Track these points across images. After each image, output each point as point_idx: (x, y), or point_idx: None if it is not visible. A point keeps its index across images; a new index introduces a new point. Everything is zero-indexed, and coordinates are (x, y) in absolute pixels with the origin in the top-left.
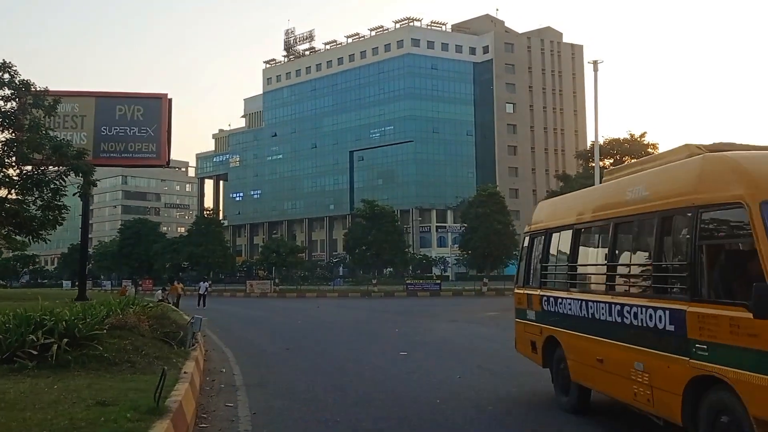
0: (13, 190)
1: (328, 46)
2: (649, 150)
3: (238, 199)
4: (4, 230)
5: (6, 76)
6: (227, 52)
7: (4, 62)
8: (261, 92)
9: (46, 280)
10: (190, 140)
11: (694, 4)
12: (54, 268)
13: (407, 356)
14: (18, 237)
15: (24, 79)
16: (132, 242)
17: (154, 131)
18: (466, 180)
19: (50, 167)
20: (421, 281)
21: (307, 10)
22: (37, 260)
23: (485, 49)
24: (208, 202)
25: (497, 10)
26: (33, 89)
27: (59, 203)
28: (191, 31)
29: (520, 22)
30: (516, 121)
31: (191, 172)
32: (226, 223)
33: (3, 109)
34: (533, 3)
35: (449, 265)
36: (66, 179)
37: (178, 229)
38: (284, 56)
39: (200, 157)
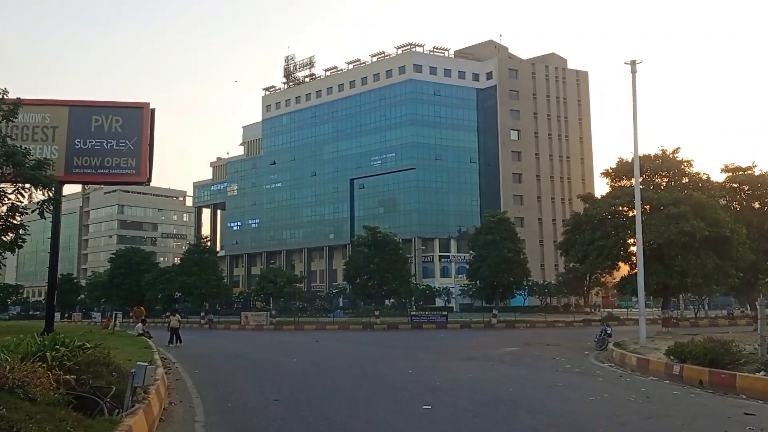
0: None
1: (328, 73)
2: (683, 167)
3: (235, 228)
4: None
5: None
6: (226, 79)
7: None
8: (260, 119)
9: (38, 312)
10: (187, 169)
11: (696, 24)
12: (43, 299)
13: (432, 411)
14: None
15: None
16: (123, 272)
17: (134, 144)
18: (470, 208)
19: (5, 181)
20: (426, 313)
21: (307, 36)
22: (21, 291)
23: (489, 75)
24: (206, 232)
25: (500, 36)
26: None
27: (15, 222)
28: (189, 57)
29: (523, 49)
30: (521, 148)
31: (188, 202)
32: (223, 252)
33: None
34: (537, 29)
35: (453, 295)
36: (24, 195)
37: (175, 259)
38: (284, 83)
39: (197, 186)
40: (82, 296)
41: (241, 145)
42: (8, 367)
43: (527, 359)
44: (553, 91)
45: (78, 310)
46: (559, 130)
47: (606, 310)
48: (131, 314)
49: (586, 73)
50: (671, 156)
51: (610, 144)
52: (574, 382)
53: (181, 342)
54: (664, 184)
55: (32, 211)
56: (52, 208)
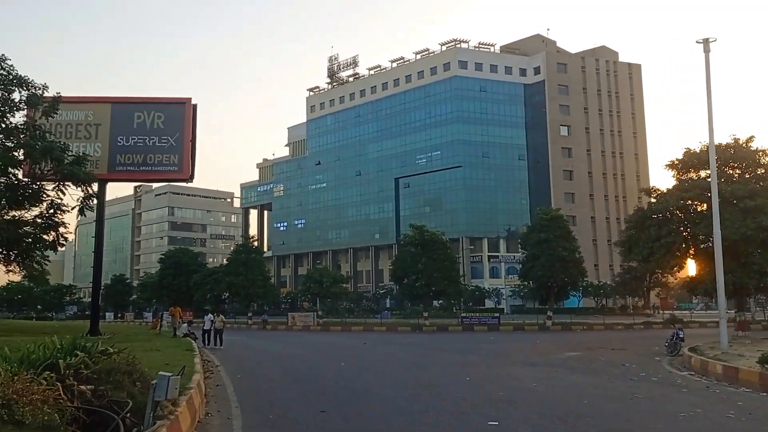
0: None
1: (372, 72)
2: (758, 157)
3: (282, 228)
4: None
5: None
6: (271, 80)
7: None
8: (305, 120)
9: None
10: (235, 170)
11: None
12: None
13: (500, 429)
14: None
15: (18, 75)
16: (172, 273)
17: (176, 141)
18: (519, 206)
19: (46, 179)
20: (477, 314)
21: (350, 36)
22: (75, 291)
23: (536, 70)
24: (253, 233)
25: (548, 30)
26: (31, 87)
27: (57, 220)
28: (235, 61)
29: (572, 42)
30: (571, 144)
31: (236, 203)
32: (270, 253)
33: None
34: (586, 22)
35: (504, 297)
36: (65, 192)
37: (224, 260)
38: (328, 83)
39: (245, 187)
40: (135, 297)
41: (286, 146)
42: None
43: (594, 365)
44: (604, 85)
45: (131, 311)
46: (611, 125)
47: (667, 312)
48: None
49: (638, 66)
50: (744, 145)
51: (666, 138)
52: (656, 393)
53: (221, 344)
54: (736, 175)
55: (72, 208)
56: (92, 204)
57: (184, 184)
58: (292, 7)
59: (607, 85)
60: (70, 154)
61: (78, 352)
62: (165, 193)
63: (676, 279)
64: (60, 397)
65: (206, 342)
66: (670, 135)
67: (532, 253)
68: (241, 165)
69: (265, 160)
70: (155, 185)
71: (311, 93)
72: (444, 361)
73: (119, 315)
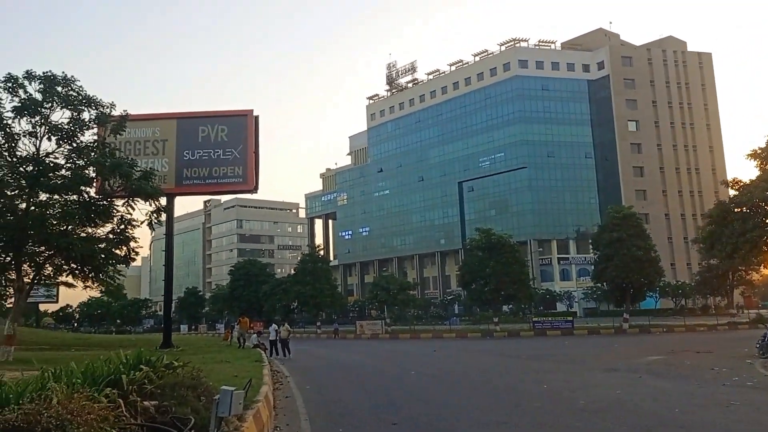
0: (73, 219)
1: (430, 77)
2: None
3: (347, 237)
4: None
5: (60, 89)
6: (332, 91)
7: (65, 77)
8: (365, 128)
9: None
10: (299, 181)
11: None
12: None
13: None
14: (74, 275)
15: (86, 94)
16: (242, 284)
17: (239, 153)
18: (588, 206)
19: (116, 196)
20: (549, 318)
21: (408, 42)
22: (151, 305)
23: (600, 65)
24: (319, 242)
25: (610, 23)
26: (99, 106)
27: (128, 235)
28: (297, 74)
29: (636, 35)
30: (640, 140)
31: (302, 213)
32: (336, 262)
33: (57, 124)
34: (650, 13)
35: (576, 299)
36: (134, 207)
37: (291, 270)
38: (387, 90)
39: (309, 197)
40: (207, 309)
41: (348, 154)
42: (50, 401)
43: (681, 370)
44: (672, 77)
45: (204, 322)
46: (682, 118)
47: (752, 311)
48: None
49: (709, 55)
50: None
51: (742, 128)
52: (756, 399)
53: (289, 354)
54: None
55: (141, 223)
56: (160, 219)
57: (250, 196)
58: (349, 17)
59: (676, 77)
60: (137, 169)
61: (143, 367)
62: (233, 207)
63: (761, 276)
64: (122, 415)
65: (275, 353)
66: (746, 125)
67: (604, 254)
68: (305, 175)
69: (328, 169)
70: (223, 199)
71: (371, 101)
72: (518, 368)
73: (193, 327)
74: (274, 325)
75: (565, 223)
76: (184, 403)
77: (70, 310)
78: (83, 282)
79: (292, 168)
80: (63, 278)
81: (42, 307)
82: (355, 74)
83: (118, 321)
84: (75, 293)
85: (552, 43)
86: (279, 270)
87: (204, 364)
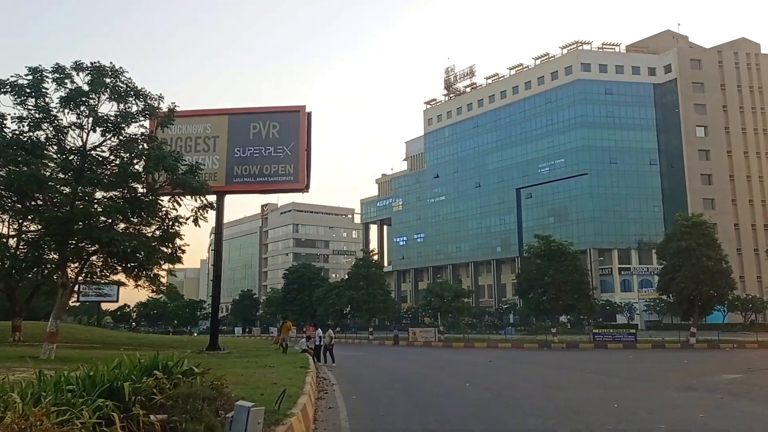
0: (114, 214)
1: (489, 81)
2: None
3: (401, 243)
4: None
5: (108, 80)
6: (389, 96)
7: (113, 68)
8: (422, 134)
9: (225, 326)
10: (355, 186)
11: None
12: (225, 315)
13: None
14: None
15: (135, 86)
16: (296, 287)
17: (291, 150)
18: (652, 215)
19: (163, 193)
20: (611, 330)
21: (466, 46)
22: (206, 306)
23: (667, 68)
24: (373, 247)
25: (679, 25)
26: (148, 99)
27: (173, 232)
28: (353, 77)
29: (706, 37)
30: (709, 146)
31: (357, 219)
32: (390, 268)
33: (103, 116)
34: (721, 15)
35: (637, 311)
36: (180, 203)
37: (346, 275)
38: (445, 95)
39: (364, 203)
40: (261, 312)
41: (404, 160)
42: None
43: (766, 391)
44: (745, 80)
45: (258, 325)
46: (754, 124)
47: None
48: (303, 329)
49: None
50: None
51: None
52: None
53: (333, 361)
54: None
55: (187, 219)
56: (206, 214)
57: (306, 200)
58: (407, 21)
59: (749, 80)
60: (183, 163)
61: (156, 373)
62: (290, 211)
63: None
64: None
65: (319, 358)
66: None
67: (672, 264)
68: (361, 181)
69: (383, 175)
70: (280, 203)
71: (428, 106)
72: (582, 383)
73: (247, 330)
74: (320, 330)
75: (627, 232)
76: (197, 419)
77: (127, 310)
78: (130, 280)
79: (348, 173)
80: (110, 275)
81: (104, 306)
82: (413, 79)
83: (176, 322)
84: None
85: (616, 45)
86: (333, 275)
87: (246, 368)
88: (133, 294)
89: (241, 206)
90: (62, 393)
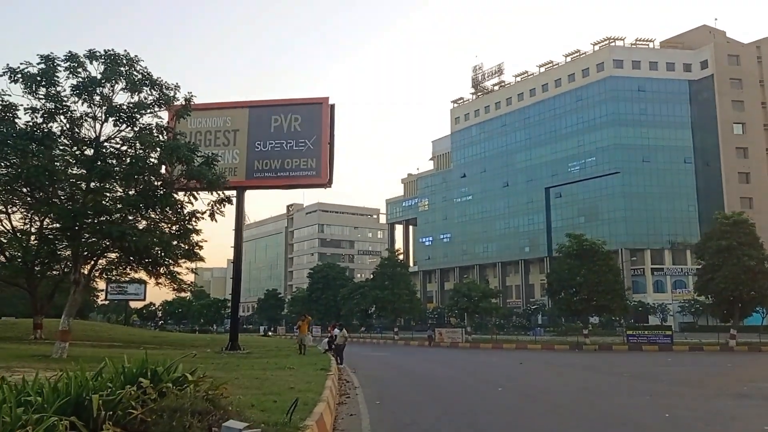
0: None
1: (518, 78)
2: None
3: (427, 243)
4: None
5: (122, 69)
6: (416, 94)
7: (128, 56)
8: (449, 133)
9: (251, 325)
10: (380, 187)
11: None
12: (251, 314)
13: None
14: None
15: (150, 75)
16: (321, 287)
17: (313, 144)
18: (686, 214)
19: (180, 189)
20: (646, 332)
21: (495, 44)
22: (228, 306)
23: (703, 64)
24: (398, 247)
25: (716, 20)
26: (163, 88)
27: (190, 227)
28: (378, 76)
29: (745, 32)
30: (747, 144)
31: (382, 219)
32: (416, 268)
33: (116, 105)
34: (760, 9)
35: (671, 313)
36: (197, 196)
37: (371, 276)
38: (472, 93)
39: (390, 203)
40: (286, 311)
41: (430, 159)
42: None
43: None
44: None
45: (283, 324)
46: None
47: None
48: (328, 329)
49: None
50: None
51: None
52: None
53: (341, 362)
54: None
55: (203, 213)
56: (224, 209)
57: (331, 200)
58: (435, 19)
59: None
60: (199, 154)
61: (143, 380)
62: (315, 211)
63: None
64: None
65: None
66: None
67: (711, 263)
68: (386, 181)
69: (409, 174)
70: (306, 203)
71: (455, 104)
72: (624, 388)
73: (272, 329)
74: (336, 330)
75: (660, 232)
76: None
77: (153, 308)
78: (151, 278)
79: (374, 173)
80: (126, 272)
81: (133, 305)
82: (440, 77)
83: (202, 320)
84: (162, 292)
85: (650, 41)
86: (358, 275)
87: (263, 370)
88: (160, 293)
89: (266, 206)
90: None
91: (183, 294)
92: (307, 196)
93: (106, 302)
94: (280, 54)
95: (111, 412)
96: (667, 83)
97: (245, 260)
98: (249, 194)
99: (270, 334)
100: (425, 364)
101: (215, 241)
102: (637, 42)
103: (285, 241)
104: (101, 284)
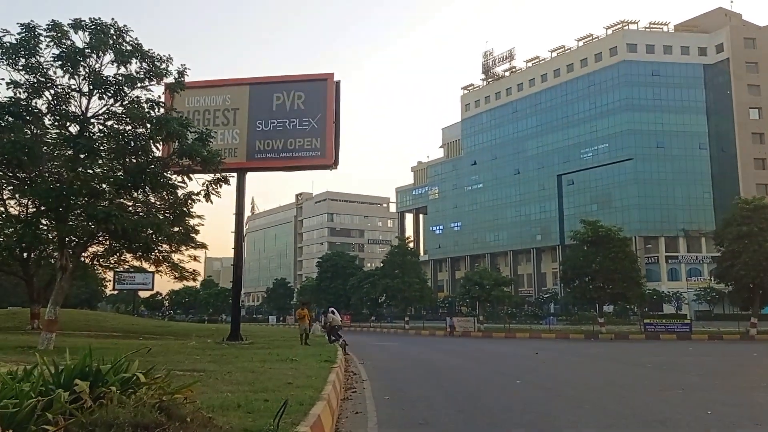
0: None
1: (529, 64)
2: None
3: (438, 232)
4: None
5: (110, 41)
6: (426, 82)
7: (117, 26)
8: (459, 119)
9: (259, 315)
10: (390, 175)
11: None
12: (259, 304)
13: None
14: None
15: (140, 46)
16: (330, 276)
17: (317, 123)
18: (701, 201)
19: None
20: (664, 321)
21: (505, 29)
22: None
23: (719, 48)
24: (409, 235)
25: (731, 2)
26: (155, 60)
27: (184, 209)
28: (387, 62)
29: (762, 14)
30: (764, 129)
31: (392, 208)
32: (426, 257)
33: (103, 77)
34: None
35: (686, 301)
36: (191, 176)
37: (381, 264)
38: (482, 80)
39: (400, 191)
40: (295, 300)
41: (440, 147)
42: None
43: None
44: None
45: (292, 314)
46: None
47: None
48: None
49: None
50: None
51: None
52: None
53: (331, 342)
54: None
55: (197, 194)
56: (218, 189)
57: (341, 190)
58: (444, 4)
59: None
60: (192, 130)
61: (80, 383)
62: (324, 200)
63: None
64: None
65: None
66: None
67: (731, 250)
68: (396, 169)
69: (419, 162)
70: (315, 192)
71: (466, 91)
72: (651, 380)
73: (281, 318)
74: (330, 315)
75: (675, 219)
76: None
77: (159, 298)
78: (151, 265)
79: (384, 161)
80: (116, 257)
81: (142, 294)
82: (450, 63)
83: (211, 310)
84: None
85: (664, 25)
86: (368, 264)
87: (263, 362)
88: (171, 283)
89: (275, 195)
90: None
91: (186, 283)
92: (316, 185)
93: (115, 292)
94: (283, 40)
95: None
96: (682, 67)
97: (254, 250)
98: (257, 183)
99: (281, 324)
100: (437, 355)
101: (225, 229)
102: (651, 25)
103: (294, 230)
104: (109, 274)
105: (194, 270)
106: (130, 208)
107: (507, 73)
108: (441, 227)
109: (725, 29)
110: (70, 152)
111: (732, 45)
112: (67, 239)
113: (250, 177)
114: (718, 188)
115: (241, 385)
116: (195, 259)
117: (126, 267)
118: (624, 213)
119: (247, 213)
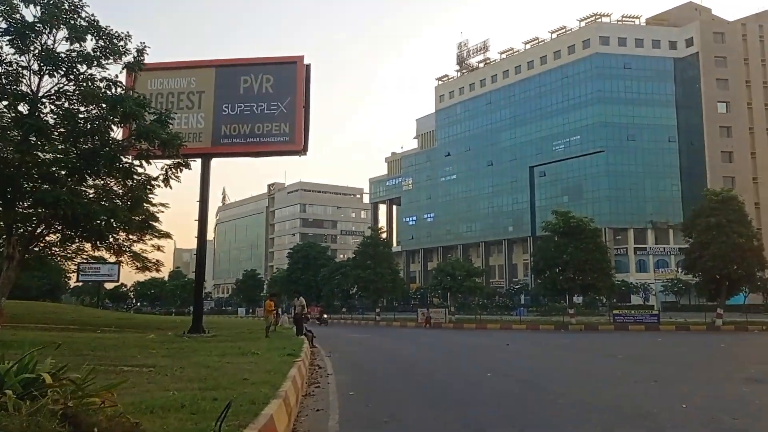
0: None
1: (504, 55)
2: None
3: (411, 223)
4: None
5: (64, 16)
6: (399, 73)
7: (72, 1)
8: (433, 111)
9: (229, 307)
10: (364, 166)
11: None
12: (228, 296)
13: None
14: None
15: (96, 22)
16: (301, 267)
17: (287, 107)
18: (670, 194)
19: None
20: (632, 312)
21: (480, 20)
22: (206, 287)
23: (689, 42)
24: (381, 226)
25: None
26: (113, 37)
27: (140, 195)
28: (362, 54)
29: (731, 9)
30: (730, 123)
31: (366, 199)
32: (399, 248)
33: (53, 53)
34: None
35: (653, 292)
36: (150, 160)
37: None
38: (457, 71)
39: (373, 182)
40: (265, 292)
41: (415, 138)
42: None
43: None
44: None
45: (262, 306)
46: None
47: None
48: (308, 311)
49: None
50: None
51: None
52: None
53: (299, 335)
54: None
55: (155, 179)
56: (177, 174)
57: (314, 180)
58: None
59: None
60: (150, 111)
61: None
62: (297, 191)
63: None
64: None
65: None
66: None
67: (699, 241)
68: (370, 160)
69: (393, 153)
70: (287, 182)
71: (440, 82)
72: (624, 373)
73: (250, 310)
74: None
75: (644, 211)
76: None
77: (124, 290)
78: (111, 255)
79: (358, 152)
80: (69, 245)
81: (108, 286)
82: (425, 54)
83: (178, 302)
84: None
85: (636, 18)
86: (341, 255)
87: (221, 356)
88: (136, 275)
89: (247, 185)
90: None
91: (150, 273)
92: (288, 176)
93: (80, 284)
94: (253, 26)
95: None
96: (653, 61)
97: (225, 241)
98: (228, 172)
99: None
100: (408, 347)
101: (194, 220)
102: (624, 19)
103: (266, 221)
104: (72, 265)
105: (158, 260)
106: (89, 195)
107: (481, 65)
108: (414, 218)
109: (695, 24)
110: (17, 131)
111: (701, 39)
112: (14, 226)
113: (221, 165)
114: (686, 181)
115: (191, 382)
116: (159, 248)
117: (85, 257)
118: (594, 204)
119: (218, 203)
